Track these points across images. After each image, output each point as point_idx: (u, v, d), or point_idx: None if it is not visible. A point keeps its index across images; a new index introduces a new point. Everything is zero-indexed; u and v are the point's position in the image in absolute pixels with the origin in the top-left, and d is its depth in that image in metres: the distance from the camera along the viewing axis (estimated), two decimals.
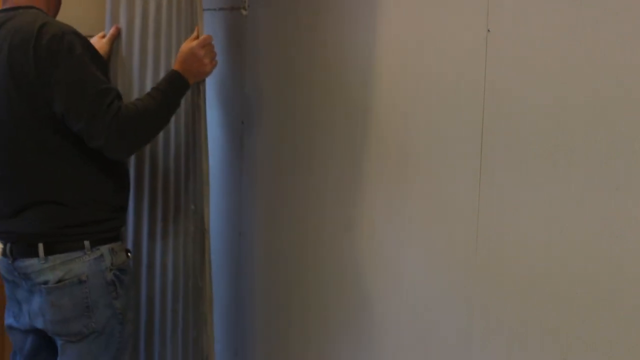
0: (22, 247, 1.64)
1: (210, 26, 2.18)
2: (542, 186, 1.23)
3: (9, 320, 1.74)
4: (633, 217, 1.10)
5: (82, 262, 1.63)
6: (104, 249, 1.66)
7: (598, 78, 1.14)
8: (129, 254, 1.75)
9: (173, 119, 1.77)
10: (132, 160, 1.95)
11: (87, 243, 1.64)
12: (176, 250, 1.89)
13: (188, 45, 1.72)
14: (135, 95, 1.86)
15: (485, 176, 1.34)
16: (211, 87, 2.04)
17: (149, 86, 1.83)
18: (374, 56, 1.60)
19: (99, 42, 1.93)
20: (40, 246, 1.62)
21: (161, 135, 1.83)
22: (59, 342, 1.67)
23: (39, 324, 1.67)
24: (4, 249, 1.68)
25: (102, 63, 1.66)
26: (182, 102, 1.74)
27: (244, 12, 2.01)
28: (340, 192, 1.71)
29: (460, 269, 1.40)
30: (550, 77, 1.21)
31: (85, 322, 1.64)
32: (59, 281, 1.62)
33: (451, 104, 1.41)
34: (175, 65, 1.72)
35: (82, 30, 1.70)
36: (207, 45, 1.72)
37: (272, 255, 1.99)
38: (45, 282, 1.63)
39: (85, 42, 1.62)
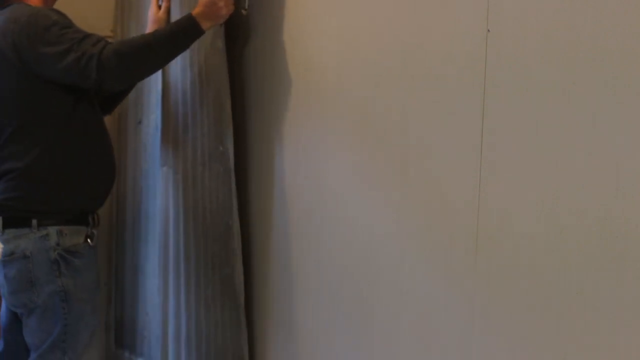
0: None
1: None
2: (542, 186, 1.23)
3: None
4: (633, 217, 1.10)
5: (28, 239, 1.74)
6: (52, 229, 1.75)
7: (599, 78, 1.14)
8: (89, 239, 1.82)
9: (194, 65, 1.90)
10: (159, 111, 2.12)
11: (34, 222, 1.74)
12: (211, 192, 2.02)
13: None
14: None
15: (486, 176, 1.34)
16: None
17: (195, 48, 1.96)
18: (373, 56, 1.60)
19: (155, 15, 2.07)
20: (0, 220, 1.75)
21: (182, 81, 1.98)
22: (18, 312, 1.80)
23: (3, 294, 1.80)
24: None
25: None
26: (202, 48, 1.86)
27: (244, 12, 2.02)
28: (339, 191, 1.71)
29: (460, 269, 1.40)
30: (551, 77, 1.21)
31: (29, 296, 1.75)
32: (10, 254, 1.75)
33: (451, 104, 1.40)
34: (194, 10, 1.81)
35: (90, 29, 1.78)
36: None
37: (268, 253, 1.99)
38: (2, 255, 1.75)
39: (62, 13, 1.75)
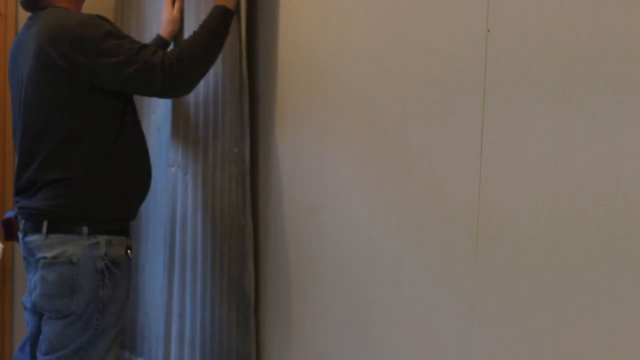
0: (32, 224, 1.77)
1: None
2: (542, 186, 1.23)
3: (24, 297, 1.88)
4: (633, 217, 1.10)
5: (77, 245, 1.73)
6: (102, 238, 1.76)
7: (599, 78, 1.14)
8: (129, 251, 1.81)
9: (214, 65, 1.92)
10: (160, 112, 2.17)
11: (85, 229, 1.74)
12: (222, 194, 2.01)
13: None
14: None
15: (486, 176, 1.34)
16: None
17: None
18: (373, 56, 1.60)
19: (170, 15, 2.10)
20: (45, 223, 1.73)
21: (202, 84, 1.99)
22: (44, 316, 1.78)
23: (33, 298, 1.78)
24: (20, 225, 1.83)
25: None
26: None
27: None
28: (339, 191, 1.71)
29: (460, 269, 1.40)
30: (551, 77, 1.21)
31: (67, 303, 1.74)
32: (53, 258, 1.73)
33: (451, 104, 1.40)
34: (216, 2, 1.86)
35: None
36: None
37: (269, 253, 1.99)
38: (43, 258, 1.73)
39: (110, 22, 1.77)
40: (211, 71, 2.00)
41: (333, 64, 1.73)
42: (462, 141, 1.38)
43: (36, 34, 1.75)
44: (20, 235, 1.82)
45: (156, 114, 2.32)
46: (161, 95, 1.79)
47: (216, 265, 2.03)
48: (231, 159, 1.98)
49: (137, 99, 2.39)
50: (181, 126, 2.11)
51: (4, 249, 2.04)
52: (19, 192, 1.82)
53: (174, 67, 1.72)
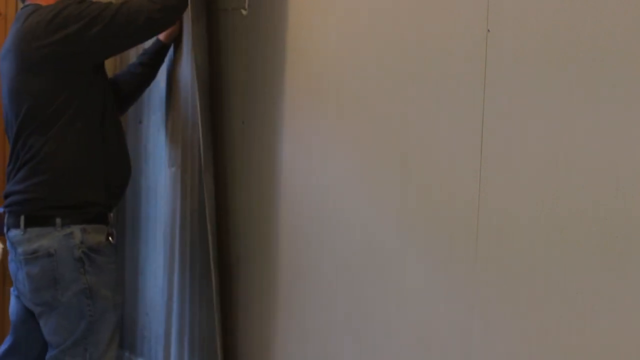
0: (12, 219, 1.82)
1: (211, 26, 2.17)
2: (542, 186, 1.23)
3: (12, 288, 1.92)
4: (633, 217, 1.10)
5: (52, 237, 1.77)
6: (75, 227, 1.79)
7: (599, 78, 1.14)
8: (110, 237, 1.87)
9: (201, 68, 1.97)
10: (161, 112, 2.20)
11: (58, 220, 1.78)
12: (219, 192, 2.05)
13: None
14: None
15: (486, 176, 1.34)
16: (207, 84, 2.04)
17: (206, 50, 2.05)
18: (373, 56, 1.60)
19: None
20: (22, 218, 1.79)
21: (192, 82, 2.03)
22: (38, 310, 1.81)
23: (22, 291, 1.83)
24: (5, 220, 1.88)
25: None
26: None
27: (244, 12, 2.02)
28: (339, 192, 1.71)
29: (460, 269, 1.40)
30: (550, 77, 1.21)
31: (53, 293, 1.78)
32: (33, 253, 1.78)
33: (451, 104, 1.40)
34: None
35: None
36: None
37: (270, 252, 1.99)
38: (23, 253, 1.78)
39: None
40: (202, 72, 2.00)
41: (333, 64, 1.73)
42: (462, 141, 1.38)
43: (16, 34, 1.81)
44: (5, 229, 1.86)
45: (156, 115, 2.32)
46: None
47: (215, 264, 2.03)
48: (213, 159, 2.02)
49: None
50: (180, 127, 2.11)
51: (3, 249, 2.06)
52: (7, 178, 1.87)
53: None
